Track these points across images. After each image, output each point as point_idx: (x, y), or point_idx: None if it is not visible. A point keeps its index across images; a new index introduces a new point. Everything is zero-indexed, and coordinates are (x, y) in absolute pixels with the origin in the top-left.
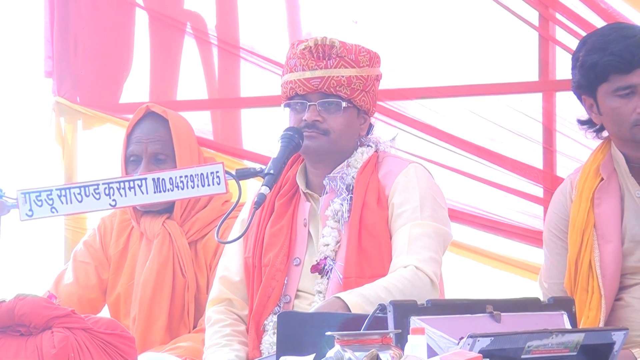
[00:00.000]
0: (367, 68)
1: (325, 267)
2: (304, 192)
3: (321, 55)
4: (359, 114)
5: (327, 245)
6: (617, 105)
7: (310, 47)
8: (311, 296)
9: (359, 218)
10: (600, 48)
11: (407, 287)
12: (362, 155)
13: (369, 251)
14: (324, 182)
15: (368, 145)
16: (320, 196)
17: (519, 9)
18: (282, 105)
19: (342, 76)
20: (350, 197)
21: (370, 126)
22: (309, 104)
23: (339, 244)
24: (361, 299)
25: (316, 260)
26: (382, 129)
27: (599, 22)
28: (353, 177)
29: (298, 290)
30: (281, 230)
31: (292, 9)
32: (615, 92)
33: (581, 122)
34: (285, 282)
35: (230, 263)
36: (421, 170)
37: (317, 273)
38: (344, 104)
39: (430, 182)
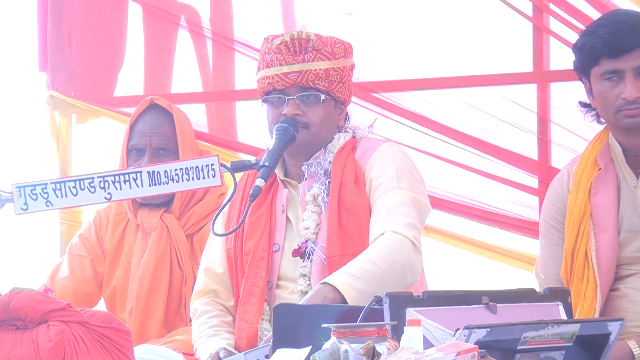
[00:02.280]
0: (342, 59)
1: (307, 250)
2: (281, 180)
3: (298, 49)
4: (337, 105)
5: (308, 228)
6: (605, 89)
7: (287, 42)
8: (293, 282)
9: (337, 198)
10: (592, 31)
11: (389, 253)
12: (338, 141)
13: (350, 229)
14: (303, 168)
15: (345, 131)
16: (298, 183)
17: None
18: (260, 100)
19: (320, 69)
20: (329, 180)
21: (347, 115)
22: (287, 98)
23: (319, 226)
24: (348, 278)
25: (297, 245)
26: (378, 122)
27: (593, 13)
28: (330, 161)
29: (279, 277)
30: (260, 219)
31: (286, 1)
32: (604, 76)
33: (582, 104)
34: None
35: (214, 255)
36: (396, 147)
37: (299, 257)
38: (322, 97)
39: (406, 157)
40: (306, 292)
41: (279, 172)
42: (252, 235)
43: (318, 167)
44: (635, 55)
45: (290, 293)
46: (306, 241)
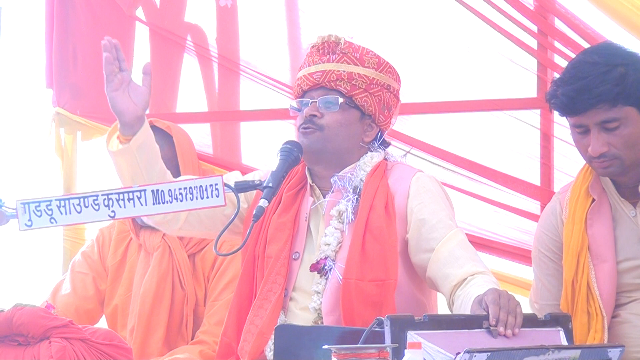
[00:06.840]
0: (372, 70)
1: (325, 267)
2: (310, 185)
3: (326, 51)
4: (363, 117)
5: (328, 245)
6: (576, 139)
7: (318, 45)
8: (307, 296)
9: (365, 221)
10: (556, 85)
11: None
12: (371, 160)
13: (372, 254)
14: (332, 180)
15: (377, 151)
16: (324, 193)
17: (517, 33)
18: (289, 106)
19: (343, 71)
20: (357, 198)
21: (382, 140)
22: (310, 100)
23: (340, 245)
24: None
25: (316, 259)
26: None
27: None
28: (361, 179)
29: (295, 287)
30: (285, 224)
31: (292, 25)
32: (572, 128)
33: None
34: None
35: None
36: (430, 177)
37: (316, 272)
38: (340, 100)
39: (441, 187)
40: (318, 309)
41: (309, 177)
42: (275, 240)
43: (348, 183)
44: (597, 111)
45: (302, 309)
46: (325, 258)
